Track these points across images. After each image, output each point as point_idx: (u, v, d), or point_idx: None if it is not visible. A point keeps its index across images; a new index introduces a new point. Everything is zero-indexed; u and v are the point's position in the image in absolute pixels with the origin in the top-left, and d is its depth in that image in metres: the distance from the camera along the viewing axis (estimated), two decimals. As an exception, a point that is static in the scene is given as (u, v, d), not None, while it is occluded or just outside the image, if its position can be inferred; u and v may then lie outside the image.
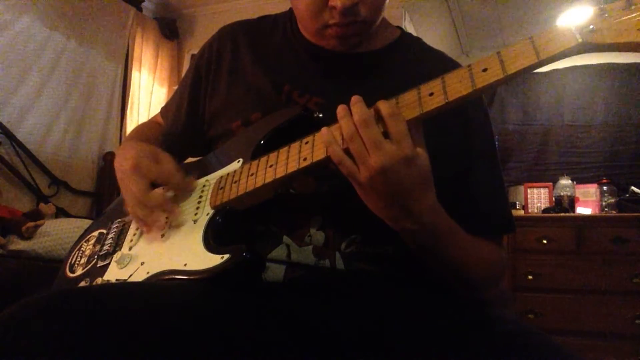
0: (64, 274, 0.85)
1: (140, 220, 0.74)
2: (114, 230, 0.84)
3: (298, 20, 0.83)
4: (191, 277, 0.63)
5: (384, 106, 0.58)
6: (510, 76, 0.53)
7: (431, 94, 0.57)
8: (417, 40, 0.89)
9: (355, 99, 0.60)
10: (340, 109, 0.60)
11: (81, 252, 0.87)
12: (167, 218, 0.76)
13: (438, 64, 0.83)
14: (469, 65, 0.56)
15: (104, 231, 0.86)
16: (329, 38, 0.76)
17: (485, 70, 0.54)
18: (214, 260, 0.62)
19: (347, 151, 0.59)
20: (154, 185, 0.75)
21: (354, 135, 0.57)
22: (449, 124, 0.72)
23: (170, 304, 0.54)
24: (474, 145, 0.77)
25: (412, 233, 0.62)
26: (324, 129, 0.61)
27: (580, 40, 0.50)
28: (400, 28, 0.89)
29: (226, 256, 0.61)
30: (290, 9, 0.88)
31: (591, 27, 0.49)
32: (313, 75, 0.81)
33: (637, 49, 0.48)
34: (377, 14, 0.76)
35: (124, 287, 0.60)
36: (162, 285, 0.64)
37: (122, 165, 0.77)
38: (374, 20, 0.76)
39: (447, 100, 0.56)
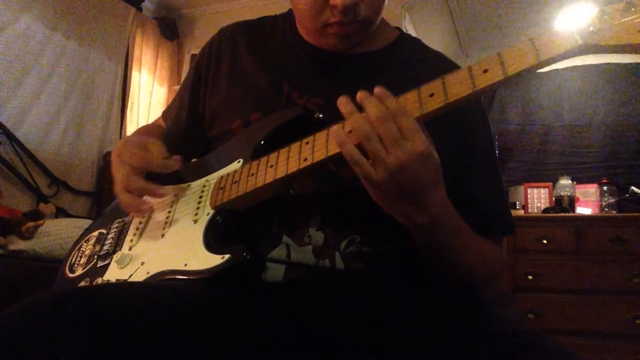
0: (64, 274, 0.85)
1: (127, 205, 0.75)
2: (114, 230, 0.84)
3: (297, 20, 0.83)
4: (191, 277, 0.63)
5: (391, 103, 0.57)
6: (511, 77, 0.53)
7: (431, 95, 0.57)
8: (416, 40, 0.89)
9: (362, 94, 0.58)
10: (345, 103, 0.58)
11: (81, 252, 0.87)
12: (167, 218, 0.76)
13: (437, 65, 0.83)
14: (470, 67, 0.56)
15: (104, 231, 0.86)
16: (329, 37, 0.76)
17: (485, 71, 0.54)
18: (215, 260, 0.62)
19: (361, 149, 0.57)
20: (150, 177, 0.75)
21: (371, 134, 0.56)
22: (448, 125, 0.72)
23: (170, 304, 0.54)
24: (473, 147, 0.77)
25: (424, 228, 0.62)
26: (335, 127, 0.60)
27: (580, 42, 0.50)
28: (399, 29, 0.89)
29: (227, 256, 0.61)
30: (290, 10, 0.88)
31: (591, 28, 0.50)
32: (312, 76, 0.81)
33: (637, 51, 0.48)
34: (377, 14, 0.76)
35: (124, 287, 0.60)
36: (162, 285, 0.64)
37: (113, 155, 0.79)
38: (373, 20, 0.76)
39: (447, 101, 0.56)
